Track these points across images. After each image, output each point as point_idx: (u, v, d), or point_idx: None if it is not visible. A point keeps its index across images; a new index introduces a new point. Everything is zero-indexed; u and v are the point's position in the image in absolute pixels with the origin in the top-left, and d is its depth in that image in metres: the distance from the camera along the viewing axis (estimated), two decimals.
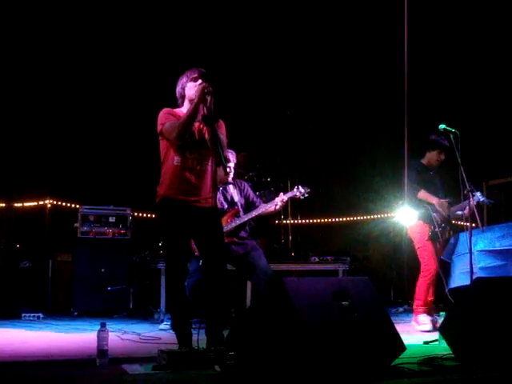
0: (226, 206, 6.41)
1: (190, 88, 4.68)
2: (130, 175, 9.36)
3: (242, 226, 6.40)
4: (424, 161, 6.61)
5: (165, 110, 4.73)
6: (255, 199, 6.55)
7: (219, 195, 6.38)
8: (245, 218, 6.37)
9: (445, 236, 6.35)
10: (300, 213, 10.03)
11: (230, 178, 6.43)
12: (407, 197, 6.29)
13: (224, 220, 6.29)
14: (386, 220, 10.39)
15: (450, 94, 10.14)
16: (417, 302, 6.33)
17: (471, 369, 3.85)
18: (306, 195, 6.41)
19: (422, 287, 6.30)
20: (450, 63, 10.15)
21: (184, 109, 4.74)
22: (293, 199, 6.58)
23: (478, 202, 6.23)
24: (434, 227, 6.16)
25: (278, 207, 6.32)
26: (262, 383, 3.51)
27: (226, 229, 6.20)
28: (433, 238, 6.19)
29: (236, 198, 6.47)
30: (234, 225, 6.33)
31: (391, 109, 9.44)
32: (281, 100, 10.11)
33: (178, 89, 4.78)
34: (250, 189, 6.62)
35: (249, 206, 6.51)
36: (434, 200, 6.27)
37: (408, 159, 6.25)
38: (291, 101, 10.09)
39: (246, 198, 6.52)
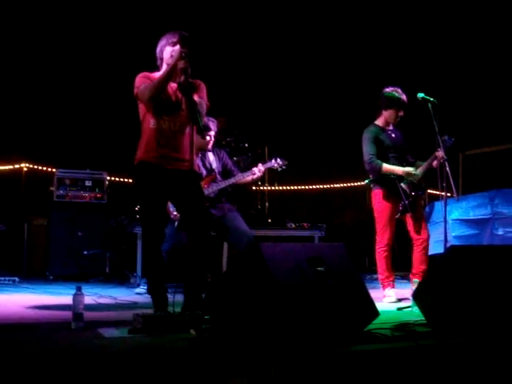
0: (204, 173, 6.41)
1: (168, 52, 4.64)
2: (106, 139, 9.30)
3: (219, 193, 6.41)
4: (379, 122, 6.14)
5: (142, 73, 4.69)
6: (233, 168, 6.57)
7: (198, 161, 6.38)
8: (222, 184, 6.38)
9: (419, 204, 6.06)
10: (277, 179, 10.06)
11: (209, 146, 6.43)
12: (370, 172, 6.07)
13: (201, 185, 6.30)
14: (362, 187, 10.44)
15: (429, 63, 10.15)
16: (379, 277, 6.09)
17: (442, 335, 3.91)
18: (284, 167, 6.44)
19: (379, 260, 6.01)
20: (429, 33, 10.16)
21: (161, 72, 4.70)
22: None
23: (447, 146, 5.84)
24: (403, 200, 5.86)
25: (255, 177, 6.35)
26: (236, 347, 3.54)
27: None
28: (403, 211, 5.93)
29: (214, 164, 6.48)
30: (210, 190, 6.34)
31: (369, 75, 9.46)
32: (260, 66, 10.06)
33: (157, 51, 4.73)
34: (228, 157, 6.64)
35: (226, 173, 6.53)
36: (399, 171, 5.92)
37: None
38: (269, 67, 10.05)
39: (224, 165, 6.54)
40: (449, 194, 5.91)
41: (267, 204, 9.29)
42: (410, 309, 5.19)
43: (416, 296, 4.48)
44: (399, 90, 6.04)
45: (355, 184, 10.81)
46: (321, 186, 10.99)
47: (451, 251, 4.54)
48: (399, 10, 9.65)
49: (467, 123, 9.74)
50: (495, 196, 8.00)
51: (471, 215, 8.19)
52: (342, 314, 3.78)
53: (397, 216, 5.97)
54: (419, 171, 5.93)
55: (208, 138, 6.35)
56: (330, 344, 3.51)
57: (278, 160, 6.39)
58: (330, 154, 10.89)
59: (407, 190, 5.90)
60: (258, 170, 6.30)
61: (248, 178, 6.38)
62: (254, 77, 10.09)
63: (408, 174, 5.91)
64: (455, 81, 10.17)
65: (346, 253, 4.10)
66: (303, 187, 10.78)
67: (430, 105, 5.69)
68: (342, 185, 10.98)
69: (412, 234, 6.06)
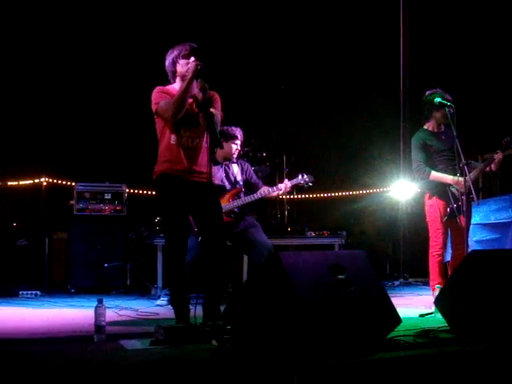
0: (227, 185, 6.41)
1: (183, 65, 4.64)
2: (125, 152, 9.35)
3: (243, 207, 6.43)
4: (428, 126, 6.02)
5: (158, 88, 4.71)
6: (257, 181, 6.58)
7: (221, 173, 6.41)
8: (248, 199, 6.39)
9: (468, 207, 5.74)
10: (296, 188, 10.05)
11: (235, 156, 6.45)
12: (419, 180, 5.96)
13: (225, 199, 6.32)
14: (381, 194, 10.41)
15: (448, 66, 10.09)
16: (431, 283, 5.88)
17: (466, 341, 3.87)
18: (310, 184, 6.44)
19: (432, 264, 5.83)
20: (448, 35, 10.11)
21: (176, 86, 4.72)
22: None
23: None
24: (451, 204, 5.73)
25: (281, 193, 6.37)
26: (258, 357, 3.53)
27: (226, 208, 6.23)
28: (450, 215, 5.77)
29: (238, 177, 6.49)
30: (235, 204, 6.35)
31: (389, 83, 9.43)
32: (275, 74, 10.07)
33: (168, 64, 4.73)
34: (251, 170, 6.64)
35: (250, 186, 6.53)
36: (448, 180, 5.77)
37: (403, 135, 6.13)
38: (286, 75, 10.05)
39: (249, 178, 6.54)
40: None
41: (286, 213, 9.27)
42: (432, 315, 5.15)
43: (438, 302, 4.45)
44: (439, 90, 5.93)
45: (375, 191, 10.77)
46: (340, 193, 10.96)
47: (473, 256, 4.51)
48: (416, 11, 9.60)
49: (486, 125, 9.67)
50: None
51: (492, 219, 8.12)
52: (364, 322, 3.76)
53: (444, 219, 5.82)
54: (472, 175, 5.70)
55: (235, 146, 6.39)
56: (353, 352, 3.49)
57: (305, 176, 6.40)
58: (349, 161, 10.85)
59: (456, 194, 5.77)
60: (285, 187, 6.31)
61: (274, 193, 6.41)
62: (271, 85, 10.09)
63: (457, 183, 5.73)
64: (473, 82, 10.10)
65: (367, 260, 4.09)
66: (322, 195, 10.75)
67: (446, 109, 5.65)
68: (361, 192, 10.94)
69: (454, 241, 5.93)
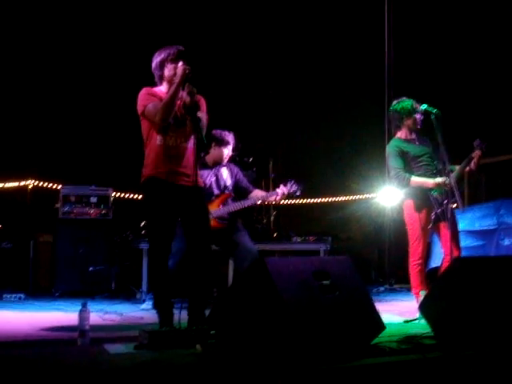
0: (215, 190, 6.39)
1: (170, 69, 4.64)
2: (111, 155, 9.31)
3: (234, 212, 6.42)
4: (401, 134, 5.95)
5: (145, 89, 4.70)
6: (247, 185, 6.55)
7: (211, 177, 6.39)
8: (243, 204, 6.38)
9: (449, 211, 5.62)
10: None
11: (225, 160, 6.45)
12: (399, 187, 5.88)
13: (215, 204, 6.30)
14: (368, 201, 10.43)
15: (435, 73, 10.15)
16: (413, 290, 5.83)
17: (450, 347, 3.89)
18: (298, 193, 6.42)
19: (412, 273, 5.78)
20: (432, 43, 10.18)
21: (163, 88, 4.71)
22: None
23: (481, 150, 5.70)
24: (435, 210, 5.67)
25: (278, 198, 6.35)
26: (243, 362, 3.53)
27: (215, 214, 6.23)
28: (435, 222, 5.73)
29: (228, 182, 6.47)
30: (226, 210, 6.33)
31: (375, 89, 9.47)
32: (263, 79, 10.08)
33: (155, 67, 4.72)
34: (241, 174, 6.62)
35: (239, 190, 6.51)
36: (429, 184, 5.70)
37: (388, 141, 6.08)
38: (274, 80, 10.08)
39: (238, 182, 6.51)
40: (454, 206, 5.84)
41: (272, 218, 9.28)
42: (416, 321, 5.16)
43: (423, 308, 4.47)
44: (404, 98, 5.92)
45: (360, 197, 10.80)
46: (325, 200, 10.98)
47: (457, 263, 4.53)
48: (405, 19, 9.65)
49: (471, 133, 9.72)
50: (500, 206, 7.97)
51: (477, 226, 8.16)
52: (349, 328, 3.76)
53: (429, 226, 5.76)
54: (452, 176, 5.63)
55: (226, 151, 6.38)
56: (337, 358, 3.49)
57: (295, 185, 6.37)
58: (336, 167, 10.88)
59: (438, 199, 5.70)
60: (282, 193, 6.30)
61: (270, 198, 6.41)
62: (257, 90, 10.11)
63: (439, 185, 5.67)
64: (458, 90, 10.17)
65: (352, 266, 4.09)
66: (308, 201, 10.76)
67: (433, 116, 5.64)
68: (346, 198, 10.97)
69: (443, 247, 5.86)
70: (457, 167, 5.85)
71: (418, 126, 5.89)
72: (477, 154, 5.74)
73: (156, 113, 4.51)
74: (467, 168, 5.85)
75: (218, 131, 6.39)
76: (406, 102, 5.89)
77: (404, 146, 5.88)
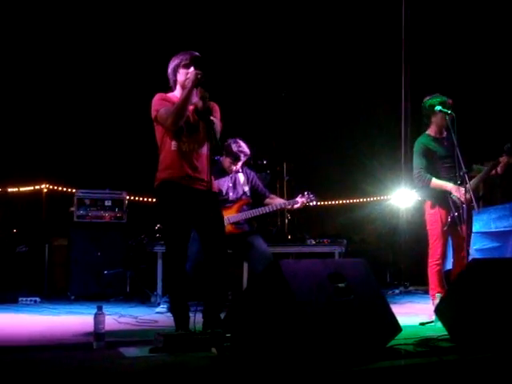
0: (232, 196, 6.40)
1: (182, 74, 4.65)
2: (125, 159, 9.35)
3: (252, 218, 6.44)
4: (431, 131, 5.94)
5: (158, 95, 4.71)
6: (263, 190, 6.56)
7: (228, 183, 6.40)
8: (262, 210, 6.39)
9: (469, 214, 5.67)
10: (296, 195, 10.06)
11: (237, 167, 6.43)
12: (419, 187, 5.90)
13: (233, 210, 6.31)
14: (382, 203, 10.41)
15: (450, 75, 10.10)
16: (430, 292, 5.83)
17: (466, 350, 3.86)
18: (314, 203, 6.45)
19: (431, 273, 5.77)
20: (449, 44, 10.12)
21: (177, 93, 4.72)
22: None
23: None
24: (453, 213, 5.64)
25: (296, 206, 6.37)
26: (258, 365, 3.52)
27: (233, 219, 6.24)
28: (451, 224, 5.69)
29: (246, 187, 6.48)
30: (243, 216, 6.34)
31: (390, 91, 9.44)
32: (276, 82, 10.08)
33: (170, 72, 4.74)
34: (258, 180, 6.63)
35: (256, 195, 6.52)
36: (449, 187, 5.68)
37: (404, 143, 6.09)
38: (286, 82, 10.07)
39: (254, 187, 6.52)
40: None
41: (287, 221, 9.26)
42: (433, 324, 5.13)
43: (439, 310, 4.44)
44: (437, 94, 5.89)
45: (374, 199, 10.77)
46: (340, 201, 10.96)
47: (473, 265, 4.50)
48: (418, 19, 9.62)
49: (486, 133, 9.67)
50: None
51: (493, 228, 8.10)
52: (364, 330, 3.75)
53: (444, 228, 5.74)
54: (473, 182, 5.64)
55: (234, 167, 6.37)
56: (353, 361, 3.48)
57: (311, 195, 6.39)
58: (350, 169, 10.85)
59: (457, 202, 5.66)
60: (301, 202, 6.32)
61: (288, 206, 6.43)
62: (271, 92, 10.10)
63: (458, 191, 5.61)
64: (474, 90, 10.11)
65: (367, 268, 4.08)
66: (322, 203, 10.74)
67: (447, 117, 5.63)
68: (361, 200, 10.94)
69: (455, 250, 5.84)
70: (482, 168, 5.85)
71: (446, 124, 5.79)
72: (504, 159, 5.71)
73: (167, 117, 4.51)
74: (493, 172, 5.82)
75: (234, 143, 6.34)
76: (435, 99, 5.86)
77: (432, 144, 5.88)
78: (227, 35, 9.66)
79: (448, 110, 5.69)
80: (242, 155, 6.38)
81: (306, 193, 6.42)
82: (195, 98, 4.58)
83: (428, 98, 5.95)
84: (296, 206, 6.40)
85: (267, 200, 6.51)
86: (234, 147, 6.35)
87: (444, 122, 5.82)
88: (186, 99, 4.49)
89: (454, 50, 10.14)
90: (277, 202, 6.48)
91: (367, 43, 10.27)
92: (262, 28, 10.00)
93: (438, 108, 5.71)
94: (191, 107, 4.62)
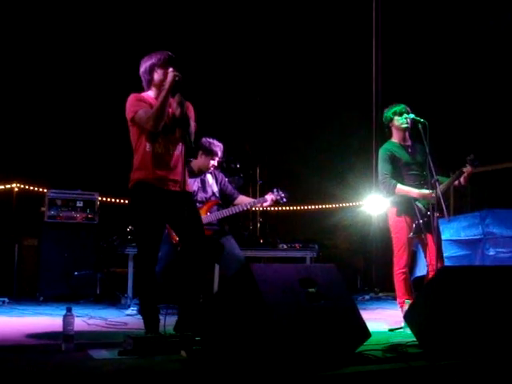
0: (201, 197, 6.40)
1: (160, 74, 4.64)
2: (97, 159, 9.30)
3: (222, 220, 6.43)
4: (394, 138, 5.95)
5: (133, 96, 4.68)
6: (232, 191, 6.57)
7: (197, 184, 6.40)
8: (232, 211, 6.39)
9: (434, 223, 5.59)
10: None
11: (215, 163, 6.45)
12: (384, 193, 5.88)
13: (202, 211, 6.30)
14: (354, 209, 10.45)
15: (420, 82, 10.19)
16: (398, 300, 5.79)
17: (434, 356, 3.90)
18: (284, 200, 6.46)
19: (397, 281, 5.75)
20: (420, 51, 10.22)
21: (151, 93, 4.71)
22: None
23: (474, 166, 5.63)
24: (418, 220, 5.65)
25: (266, 204, 6.39)
26: (227, 368, 3.52)
27: (203, 221, 6.23)
28: (416, 232, 5.68)
29: (215, 188, 6.48)
30: (214, 217, 6.34)
31: (362, 97, 9.50)
32: (251, 86, 10.10)
33: (144, 71, 4.71)
34: (226, 180, 6.64)
35: (224, 197, 6.52)
36: (414, 193, 5.70)
37: (376, 150, 6.09)
38: (261, 87, 10.09)
39: (223, 189, 6.53)
40: (439, 215, 5.83)
41: (259, 224, 9.28)
42: (401, 330, 5.17)
43: (408, 317, 4.48)
44: (394, 104, 5.92)
45: (347, 204, 10.82)
46: (312, 207, 11.00)
47: (442, 272, 4.54)
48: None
49: (456, 143, 9.77)
50: (486, 216, 8.00)
51: (462, 236, 8.19)
52: (334, 335, 3.77)
53: (410, 235, 5.72)
54: (439, 187, 5.55)
55: (212, 162, 6.38)
56: (321, 365, 3.49)
57: (280, 192, 6.41)
58: (323, 174, 10.89)
59: (422, 210, 5.67)
60: (271, 200, 6.33)
61: (258, 204, 6.45)
62: (246, 96, 10.13)
63: (424, 196, 5.67)
64: (443, 98, 10.21)
65: (338, 274, 4.10)
66: (295, 208, 10.78)
67: (420, 126, 5.65)
68: (333, 205, 10.99)
69: (427, 257, 5.79)
70: (446, 179, 5.87)
71: (403, 126, 5.85)
72: (468, 170, 5.69)
73: (147, 120, 4.49)
74: (456, 182, 5.83)
75: (208, 141, 6.39)
76: (389, 110, 5.93)
77: (397, 150, 5.88)
78: (204, 38, 9.66)
79: (410, 115, 5.75)
80: (217, 149, 6.39)
81: (275, 190, 6.43)
82: (173, 102, 4.57)
83: (385, 110, 6.00)
84: (266, 204, 6.41)
85: (237, 201, 6.52)
86: (209, 145, 6.37)
87: (404, 127, 5.85)
88: (164, 101, 4.48)
89: (425, 58, 10.23)
90: (246, 201, 6.48)
91: (340, 50, 10.34)
92: (238, 33, 10.02)
93: (411, 116, 5.75)
94: (170, 111, 4.61)
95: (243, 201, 6.49)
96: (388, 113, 5.93)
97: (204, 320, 3.96)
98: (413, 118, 5.74)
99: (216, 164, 6.49)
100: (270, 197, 6.35)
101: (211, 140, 6.41)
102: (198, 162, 6.45)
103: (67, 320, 4.13)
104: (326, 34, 10.34)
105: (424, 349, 4.11)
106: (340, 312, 3.91)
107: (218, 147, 6.41)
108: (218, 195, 6.50)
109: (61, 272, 7.80)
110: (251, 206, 6.55)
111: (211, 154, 6.39)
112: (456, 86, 10.22)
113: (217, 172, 6.65)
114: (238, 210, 6.43)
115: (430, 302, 4.27)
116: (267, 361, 3.43)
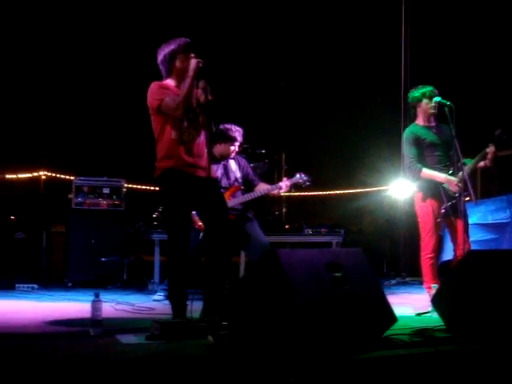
0: (224, 183, 6.39)
1: (182, 60, 4.62)
2: (124, 147, 9.34)
3: (245, 204, 6.41)
4: (419, 121, 5.88)
5: (156, 84, 4.66)
6: (253, 177, 6.54)
7: (220, 170, 6.39)
8: (248, 197, 6.38)
9: (462, 206, 5.50)
10: (294, 186, 10.08)
11: (232, 155, 6.43)
12: (410, 177, 5.82)
13: (226, 196, 6.30)
14: (380, 193, 10.40)
15: (448, 65, 10.08)
16: (425, 284, 5.75)
17: (462, 340, 3.88)
18: (308, 183, 6.41)
19: (424, 267, 5.69)
20: (449, 35, 10.09)
21: (171, 81, 4.69)
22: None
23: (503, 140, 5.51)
24: (445, 204, 5.56)
25: (281, 191, 6.35)
26: (254, 353, 3.53)
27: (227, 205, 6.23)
28: (444, 216, 5.61)
29: (238, 174, 6.47)
30: (236, 202, 6.33)
31: (389, 81, 9.42)
32: (276, 71, 10.07)
33: (164, 59, 4.67)
34: (249, 166, 6.62)
35: (247, 183, 6.51)
36: (440, 178, 5.62)
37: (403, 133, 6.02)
38: (286, 72, 10.05)
39: (245, 175, 6.51)
40: (467, 199, 5.77)
41: (284, 210, 9.27)
42: (429, 314, 5.15)
43: (435, 301, 4.46)
44: (420, 86, 5.86)
45: (372, 189, 10.76)
46: (338, 192, 10.96)
47: (470, 256, 4.51)
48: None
49: (484, 125, 9.66)
50: None
51: (490, 219, 8.11)
52: (361, 320, 3.76)
53: (438, 220, 5.67)
54: (465, 169, 5.50)
55: (232, 148, 6.36)
56: (349, 350, 3.49)
57: (303, 175, 6.37)
58: (348, 159, 10.85)
59: (449, 192, 5.61)
60: (285, 186, 6.29)
61: (273, 192, 6.41)
62: (270, 82, 10.09)
63: (449, 182, 5.60)
64: (472, 81, 10.09)
65: (364, 258, 4.09)
66: (320, 193, 10.75)
67: (446, 109, 5.58)
68: (359, 190, 10.94)
69: (453, 241, 5.76)
70: (471, 161, 5.79)
71: (431, 111, 5.78)
72: (491, 150, 5.60)
73: (176, 107, 4.48)
74: (481, 163, 5.75)
75: (225, 127, 6.33)
76: (418, 91, 5.85)
77: (420, 132, 5.80)
78: (227, 24, 9.63)
79: (437, 98, 5.69)
80: (236, 134, 6.35)
81: (298, 174, 6.39)
82: (202, 97, 4.58)
83: (413, 90, 5.94)
84: (282, 191, 6.38)
85: (256, 188, 6.49)
86: (226, 131, 6.34)
87: (432, 110, 5.78)
88: (191, 88, 4.48)
89: (453, 43, 10.11)
90: (262, 187, 6.44)
91: (367, 33, 10.25)
92: (263, 18, 9.98)
93: (438, 99, 5.69)
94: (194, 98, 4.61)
95: (262, 188, 6.48)
96: (416, 93, 5.85)
97: (230, 305, 3.97)
98: (439, 101, 5.67)
99: (237, 149, 6.46)
100: (284, 183, 6.30)
101: (228, 126, 6.36)
102: (218, 149, 6.43)
103: (95, 305, 4.17)
104: (352, 15, 10.25)
105: (452, 333, 4.10)
106: (367, 296, 3.90)
107: (237, 132, 6.37)
108: (240, 181, 6.48)
109: (88, 258, 7.87)
110: (267, 193, 6.49)
111: (230, 140, 6.36)
112: (484, 64, 10.09)
113: (240, 157, 6.63)
114: (253, 197, 6.39)
115: (457, 286, 4.24)
116: (294, 345, 3.44)
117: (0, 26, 8.83)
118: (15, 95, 9.10)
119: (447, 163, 5.74)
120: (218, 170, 6.35)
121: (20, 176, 8.78)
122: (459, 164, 5.48)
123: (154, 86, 4.65)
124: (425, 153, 5.78)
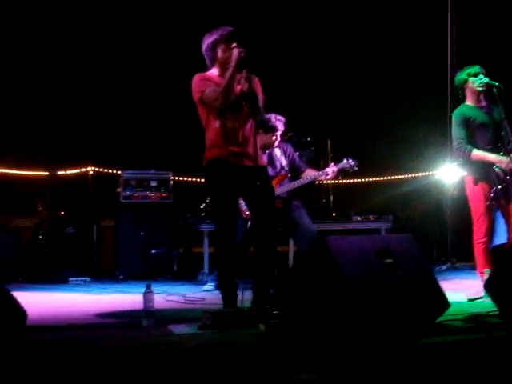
0: (271, 172, 6.39)
1: (224, 50, 4.62)
2: (170, 139, 9.40)
3: (292, 192, 6.40)
4: (468, 100, 5.70)
5: (198, 76, 4.69)
6: (300, 164, 6.52)
7: (265, 158, 6.39)
8: (295, 184, 6.36)
9: None
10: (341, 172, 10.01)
11: (275, 143, 6.41)
12: (460, 159, 5.66)
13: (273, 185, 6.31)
14: (428, 178, 10.28)
15: (495, 50, 9.88)
16: (478, 269, 5.61)
17: None
18: (356, 168, 6.36)
19: (477, 252, 5.57)
20: (496, 20, 9.89)
21: (215, 71, 4.71)
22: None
23: None
24: (496, 186, 5.41)
25: (328, 177, 6.33)
26: (306, 341, 3.54)
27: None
28: (494, 198, 5.46)
29: (283, 162, 6.46)
30: (282, 190, 6.33)
31: (435, 66, 9.28)
32: (320, 58, 10.01)
33: (207, 48, 4.69)
34: (295, 153, 6.60)
35: (293, 170, 6.49)
36: (491, 158, 5.46)
37: (451, 118, 5.90)
38: (330, 59, 9.98)
39: (292, 162, 6.50)
40: None
41: (332, 197, 9.22)
42: (481, 300, 5.08)
43: (488, 286, 4.39)
44: (468, 66, 5.71)
45: (421, 174, 10.64)
46: (386, 178, 10.86)
47: None
48: None
49: None
50: None
51: None
52: (412, 306, 3.73)
53: (488, 203, 5.51)
54: None
55: (274, 137, 6.35)
56: (401, 337, 3.47)
57: (350, 161, 6.32)
58: (395, 145, 10.74)
59: (500, 175, 5.46)
60: (332, 171, 6.25)
61: (321, 177, 6.38)
62: (314, 69, 10.04)
63: (500, 162, 5.46)
64: None
65: (414, 244, 4.05)
66: (367, 179, 10.66)
67: (494, 89, 5.47)
68: (407, 176, 10.82)
69: (507, 224, 5.62)
70: None
71: (478, 88, 5.62)
72: None
73: (216, 98, 4.51)
74: None
75: (268, 115, 6.29)
76: (463, 72, 5.72)
77: (471, 112, 5.65)
78: (271, 12, 9.60)
79: (484, 79, 5.57)
80: (276, 124, 6.33)
81: (345, 159, 6.34)
82: (240, 78, 4.57)
83: (458, 72, 5.82)
84: (329, 177, 6.35)
85: (304, 174, 6.46)
86: (267, 121, 6.30)
87: (480, 88, 5.62)
88: (232, 78, 4.48)
89: (501, 25, 9.90)
90: (310, 173, 6.41)
91: (412, 18, 10.10)
92: (306, 4, 9.91)
93: (485, 80, 5.57)
94: (238, 87, 4.61)
95: (309, 174, 6.45)
96: (462, 75, 5.73)
97: (281, 294, 3.97)
98: (487, 82, 5.56)
99: (279, 138, 6.43)
100: (330, 169, 6.26)
101: (268, 116, 6.34)
102: (261, 139, 6.41)
103: (147, 296, 4.22)
104: (397, 2, 10.12)
105: (505, 319, 4.03)
106: (418, 282, 3.86)
107: (278, 121, 6.34)
108: (287, 168, 6.47)
109: (138, 251, 7.94)
110: (314, 179, 6.47)
111: (272, 130, 6.34)
112: None
113: (285, 145, 6.61)
114: (301, 184, 6.37)
115: (510, 270, 4.18)
116: (346, 333, 3.43)
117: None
118: (62, 92, 9.24)
119: (498, 144, 5.59)
120: None
121: (68, 172, 8.91)
122: (510, 146, 5.37)
123: (196, 78, 4.68)
124: (475, 134, 5.62)
